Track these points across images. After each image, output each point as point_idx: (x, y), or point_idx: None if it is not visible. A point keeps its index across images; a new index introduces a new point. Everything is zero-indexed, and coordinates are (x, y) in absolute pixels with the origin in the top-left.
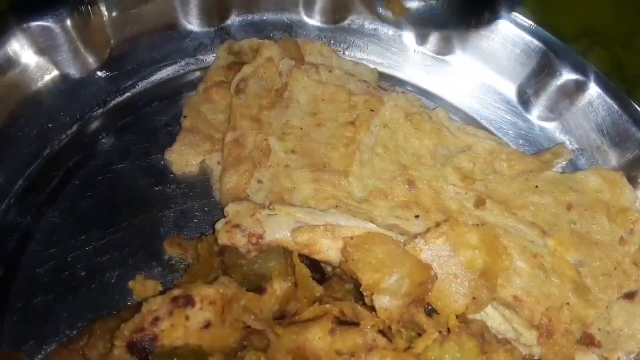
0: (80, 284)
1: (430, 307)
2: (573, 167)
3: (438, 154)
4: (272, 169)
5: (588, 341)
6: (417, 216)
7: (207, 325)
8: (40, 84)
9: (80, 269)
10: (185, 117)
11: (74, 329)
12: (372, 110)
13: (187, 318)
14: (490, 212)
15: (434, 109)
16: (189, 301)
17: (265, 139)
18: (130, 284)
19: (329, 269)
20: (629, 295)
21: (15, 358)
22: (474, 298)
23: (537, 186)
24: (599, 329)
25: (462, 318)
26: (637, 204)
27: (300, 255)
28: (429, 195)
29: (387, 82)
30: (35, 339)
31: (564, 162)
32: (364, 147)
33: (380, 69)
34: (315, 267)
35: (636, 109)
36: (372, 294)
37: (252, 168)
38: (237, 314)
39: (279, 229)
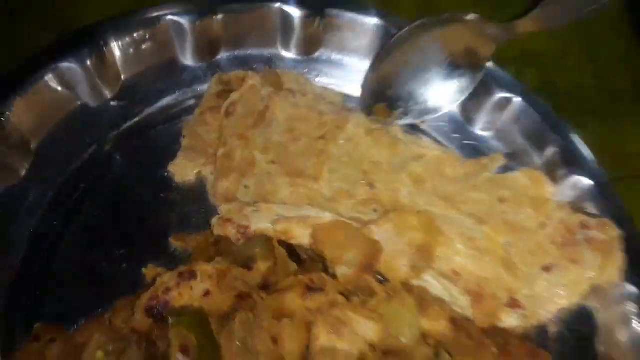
0: (103, 273)
1: (382, 278)
2: (505, 166)
3: (394, 162)
4: (257, 177)
5: (513, 304)
6: (375, 211)
7: (207, 294)
8: (66, 112)
9: (102, 261)
10: (184, 137)
11: (101, 308)
12: (339, 127)
13: (191, 288)
14: (437, 207)
15: (391, 126)
16: (192, 275)
17: (251, 153)
18: (144, 271)
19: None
20: (548, 268)
21: (54, 331)
22: (414, 267)
23: (475, 185)
24: (524, 295)
25: (406, 285)
26: (554, 196)
27: (279, 242)
28: (386, 195)
29: (352, 102)
30: (70, 317)
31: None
32: (332, 158)
33: (346, 91)
34: (292, 253)
35: (554, 118)
36: (335, 266)
37: (240, 177)
38: (229, 281)
39: (261, 221)
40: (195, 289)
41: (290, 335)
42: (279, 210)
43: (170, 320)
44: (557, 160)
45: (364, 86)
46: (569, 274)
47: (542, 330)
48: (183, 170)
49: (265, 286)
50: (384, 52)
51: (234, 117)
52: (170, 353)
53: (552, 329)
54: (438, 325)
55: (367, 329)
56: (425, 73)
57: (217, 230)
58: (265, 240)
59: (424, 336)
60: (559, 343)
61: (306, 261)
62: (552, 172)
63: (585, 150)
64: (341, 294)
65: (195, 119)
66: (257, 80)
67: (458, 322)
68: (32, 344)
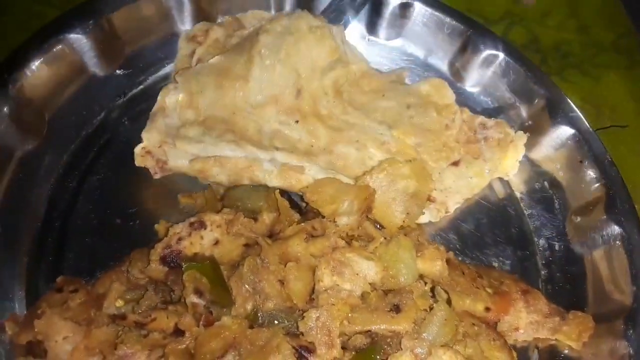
0: (118, 229)
1: (379, 225)
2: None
3: (325, 64)
4: (186, 73)
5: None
6: (297, 121)
7: (216, 242)
8: (76, 82)
9: (116, 218)
10: None
11: (117, 261)
12: (275, 19)
13: (201, 237)
14: (351, 115)
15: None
16: (202, 225)
17: None
18: (156, 226)
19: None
20: (455, 163)
21: (74, 282)
22: (408, 213)
23: (384, 95)
24: (435, 189)
25: (402, 229)
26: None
27: (281, 194)
28: (308, 103)
29: None
30: (89, 270)
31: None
32: (267, 53)
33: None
34: (293, 205)
35: (539, 71)
36: (335, 219)
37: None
38: (237, 228)
39: (178, 159)
40: (205, 238)
41: (296, 277)
42: (194, 149)
43: (184, 266)
44: (542, 111)
45: None
46: (473, 167)
47: (534, 271)
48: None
49: (271, 235)
50: None
51: None
52: (185, 295)
53: (543, 271)
54: (434, 266)
55: (367, 270)
56: None
57: (139, 161)
58: (267, 193)
59: (421, 276)
60: (550, 284)
61: (307, 212)
62: (539, 122)
63: (568, 101)
64: (341, 238)
65: (173, 83)
66: (220, 32)
67: (452, 262)
68: (55, 294)
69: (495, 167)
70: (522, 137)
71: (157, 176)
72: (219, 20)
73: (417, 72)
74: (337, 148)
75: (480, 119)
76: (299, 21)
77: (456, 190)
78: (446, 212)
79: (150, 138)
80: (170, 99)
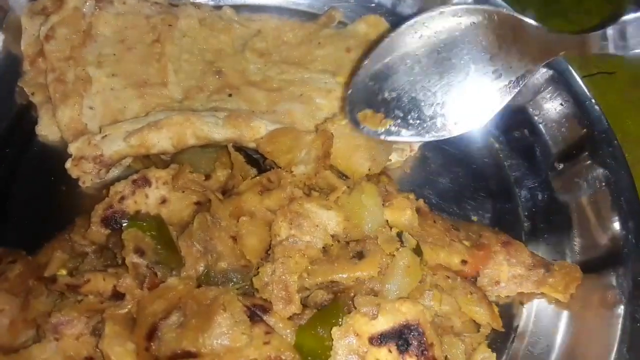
0: (64, 197)
1: (343, 176)
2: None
3: (235, 44)
4: (100, 94)
5: None
6: (230, 95)
7: (164, 201)
8: (15, 46)
9: (61, 185)
10: (33, 94)
11: (63, 229)
12: (171, 25)
13: (146, 196)
14: (289, 73)
15: (221, 8)
16: (146, 182)
17: (84, 69)
18: (104, 192)
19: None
20: None
21: (15, 254)
22: (374, 160)
23: (319, 42)
24: None
25: (370, 177)
26: None
27: (236, 149)
28: (235, 77)
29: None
30: (35, 240)
31: (336, 23)
32: (172, 59)
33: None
34: (252, 162)
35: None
36: (291, 168)
37: (80, 99)
38: (183, 182)
39: (113, 144)
40: (151, 197)
41: (250, 232)
42: (125, 126)
43: (124, 224)
44: None
45: (351, 86)
46: None
47: (517, 224)
48: (53, 127)
49: (224, 192)
50: (386, 42)
51: (55, 41)
52: (125, 255)
53: (526, 223)
54: (402, 215)
55: (328, 220)
56: (446, 75)
57: (75, 172)
58: (219, 152)
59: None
60: (533, 235)
61: (266, 167)
62: None
63: None
64: (300, 189)
65: (29, 73)
66: (79, 0)
67: (423, 211)
68: None
69: None
70: None
71: (102, 174)
72: None
73: (389, 21)
74: (279, 107)
75: None
76: (190, 21)
77: None
78: (411, 152)
79: (77, 147)
80: (91, 123)
